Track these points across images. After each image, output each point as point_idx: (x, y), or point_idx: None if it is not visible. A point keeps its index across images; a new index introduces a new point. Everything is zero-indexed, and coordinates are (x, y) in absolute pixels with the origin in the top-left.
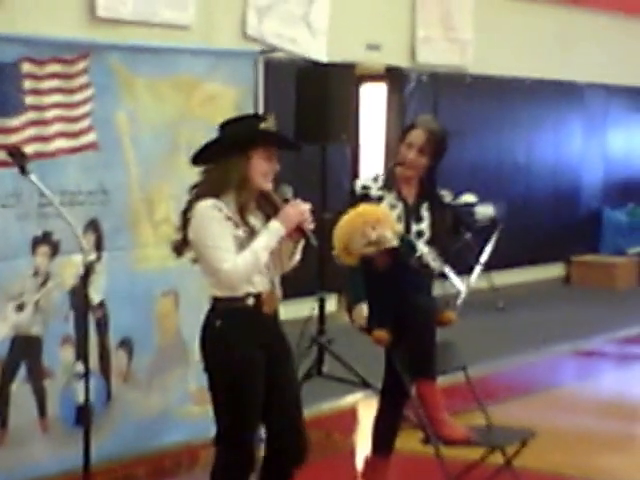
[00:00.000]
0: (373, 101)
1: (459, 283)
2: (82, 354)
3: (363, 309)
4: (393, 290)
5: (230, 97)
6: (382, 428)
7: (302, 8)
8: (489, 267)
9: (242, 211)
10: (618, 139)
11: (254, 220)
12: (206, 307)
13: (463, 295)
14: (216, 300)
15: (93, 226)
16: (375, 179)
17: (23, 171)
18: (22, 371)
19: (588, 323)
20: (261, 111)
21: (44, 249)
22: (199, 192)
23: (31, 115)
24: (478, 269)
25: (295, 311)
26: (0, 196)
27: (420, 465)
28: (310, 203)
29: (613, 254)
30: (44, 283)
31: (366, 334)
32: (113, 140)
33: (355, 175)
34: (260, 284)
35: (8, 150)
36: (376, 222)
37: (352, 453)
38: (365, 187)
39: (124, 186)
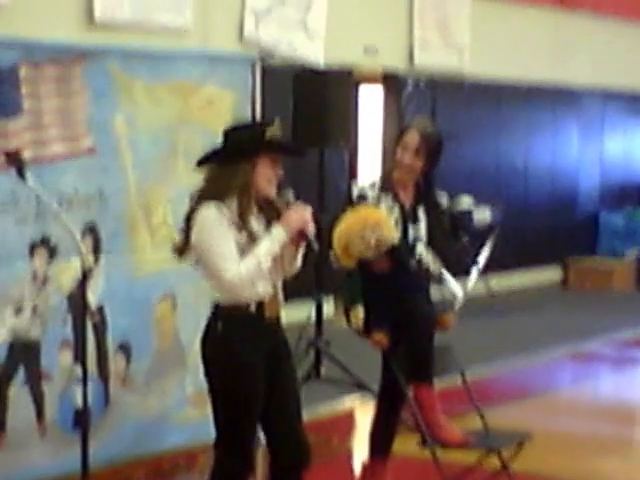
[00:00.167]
0: (370, 105)
1: (456, 286)
2: (80, 358)
3: (359, 311)
4: (392, 293)
5: (228, 101)
6: (379, 431)
7: (299, 12)
8: (486, 270)
9: (244, 216)
10: (615, 143)
11: (256, 225)
12: (204, 311)
13: (460, 298)
14: (218, 305)
15: (91, 230)
16: (372, 185)
17: (21, 175)
18: (20, 375)
19: (585, 326)
20: (258, 115)
21: (42, 253)
22: (203, 196)
23: (29, 119)
24: (475, 272)
25: (293, 314)
26: None
27: (417, 468)
28: (310, 206)
29: (610, 257)
30: (42, 287)
31: (364, 337)
32: (111, 144)
33: (352, 178)
34: (262, 289)
35: (6, 154)
36: (375, 225)
37: (349, 456)
38: (362, 195)
39: (122, 190)
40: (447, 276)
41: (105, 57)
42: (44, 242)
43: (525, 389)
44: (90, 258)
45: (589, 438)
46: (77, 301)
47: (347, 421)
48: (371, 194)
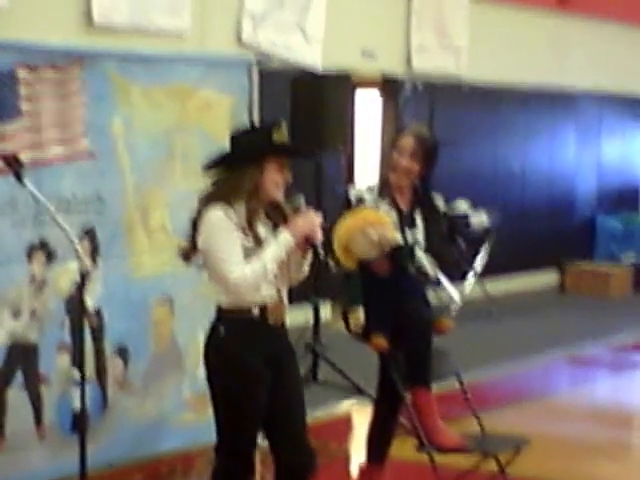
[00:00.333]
0: (368, 109)
1: (453, 291)
2: (78, 361)
3: (360, 313)
4: (391, 297)
5: (225, 104)
6: (377, 435)
7: (297, 15)
8: (483, 275)
9: (250, 220)
10: (612, 147)
11: (263, 229)
12: (201, 314)
13: (457, 303)
14: (221, 309)
15: (89, 233)
16: (370, 189)
17: (19, 178)
18: (18, 378)
19: (582, 330)
20: (256, 118)
21: (40, 256)
22: (210, 199)
23: (26, 122)
24: (472, 276)
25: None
26: None
27: (414, 472)
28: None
29: (607, 261)
30: (40, 290)
31: (362, 341)
32: (108, 147)
33: (349, 182)
34: (267, 294)
35: (4, 157)
36: (377, 224)
37: (346, 460)
38: (360, 199)
39: (119, 193)
40: (444, 280)
41: (103, 60)
42: (42, 245)
43: (522, 393)
44: (88, 261)
45: (586, 442)
46: (75, 304)
47: (344, 425)
48: (369, 197)
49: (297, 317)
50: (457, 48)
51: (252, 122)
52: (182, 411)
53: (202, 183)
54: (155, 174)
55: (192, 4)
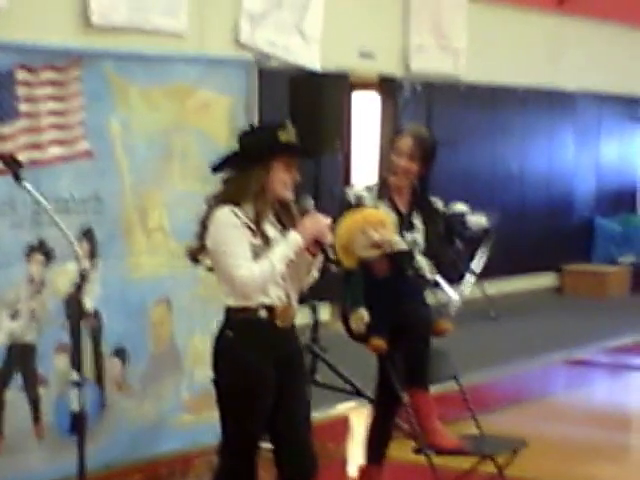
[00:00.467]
0: (366, 109)
1: (452, 292)
2: (76, 362)
3: (363, 313)
4: (389, 298)
5: (223, 105)
6: (375, 437)
7: (295, 16)
8: (481, 276)
9: (259, 220)
10: (610, 148)
11: (271, 230)
12: (199, 315)
13: (456, 304)
14: (229, 310)
15: (87, 234)
16: (369, 189)
17: (17, 179)
18: (17, 379)
19: (580, 332)
20: (255, 119)
21: (38, 257)
22: (218, 199)
23: (25, 122)
24: (470, 278)
25: None
26: None
27: (413, 474)
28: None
29: (605, 263)
30: (38, 291)
31: (361, 342)
32: (107, 148)
33: (347, 183)
34: (275, 296)
35: (2, 158)
36: (377, 223)
37: (345, 461)
38: (359, 197)
39: (118, 194)
40: (443, 282)
41: (101, 60)
42: (40, 246)
43: (520, 395)
44: (86, 262)
45: (584, 444)
46: (73, 305)
47: (342, 426)
48: (368, 198)
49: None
50: (455, 49)
51: (260, 122)
52: (180, 412)
53: (200, 184)
54: (153, 174)
55: (190, 4)
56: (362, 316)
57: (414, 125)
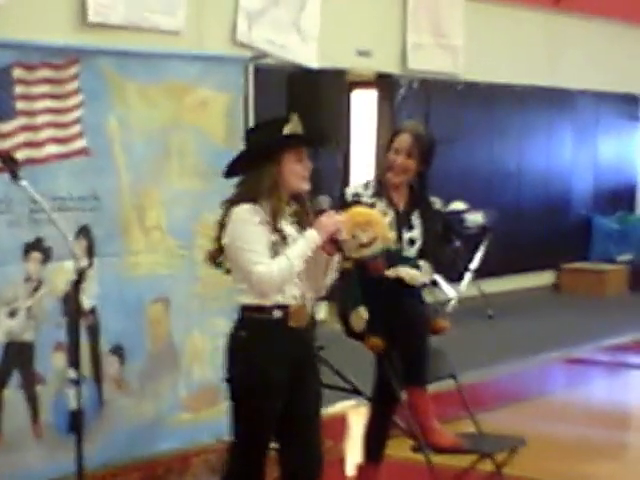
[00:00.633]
0: (364, 107)
1: (449, 290)
2: (74, 360)
3: (363, 313)
4: (387, 296)
5: (221, 103)
6: (373, 435)
7: (292, 14)
8: (479, 275)
9: (276, 216)
10: (609, 146)
11: (288, 227)
12: (197, 314)
13: (453, 303)
14: (243, 309)
15: (84, 232)
16: (366, 186)
17: (14, 177)
18: (15, 377)
19: (578, 331)
20: (252, 117)
21: (36, 255)
22: (234, 199)
23: (22, 120)
24: (468, 277)
25: None
26: None
27: (411, 472)
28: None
29: (603, 261)
30: (36, 289)
31: (359, 341)
32: (104, 146)
33: (345, 181)
34: (290, 295)
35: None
36: (366, 224)
37: (342, 460)
38: (356, 194)
39: (115, 192)
40: (440, 281)
41: (98, 58)
42: (38, 244)
43: (518, 393)
44: (84, 260)
45: (582, 442)
46: (71, 303)
47: (340, 425)
48: (365, 195)
49: None
50: (453, 47)
51: (257, 119)
52: (178, 411)
53: (198, 181)
54: (151, 172)
55: (188, 2)
56: (362, 315)
57: (412, 122)
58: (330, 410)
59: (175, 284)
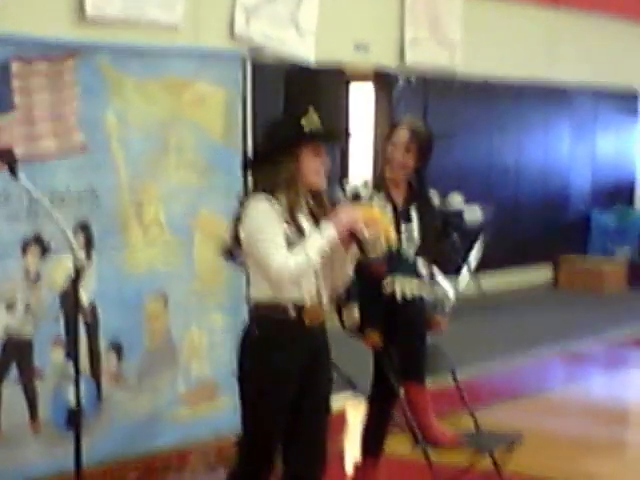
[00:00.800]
0: (361, 102)
1: (448, 286)
2: (72, 355)
3: (354, 310)
4: (384, 292)
5: (219, 98)
6: (371, 432)
7: (290, 9)
8: (477, 269)
9: (292, 211)
10: (606, 142)
11: (304, 221)
12: (195, 310)
13: (451, 298)
14: (256, 307)
15: (83, 227)
16: (365, 184)
17: (13, 172)
18: (13, 373)
19: (576, 326)
20: (249, 112)
21: (34, 250)
22: (251, 192)
23: (20, 115)
24: (466, 272)
25: None
26: None
27: (409, 469)
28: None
29: (601, 257)
30: (34, 285)
31: (356, 337)
32: (102, 141)
33: (343, 176)
34: (306, 290)
35: None
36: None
37: (341, 456)
38: (355, 189)
39: (113, 187)
40: (439, 276)
41: (96, 53)
42: (36, 240)
43: (516, 389)
44: (82, 256)
45: (581, 438)
46: (69, 299)
47: (338, 421)
48: (364, 189)
49: None
50: (451, 42)
51: (254, 114)
52: (177, 406)
53: (196, 177)
54: (149, 168)
55: None
56: (354, 313)
57: (410, 118)
58: None
59: (173, 280)
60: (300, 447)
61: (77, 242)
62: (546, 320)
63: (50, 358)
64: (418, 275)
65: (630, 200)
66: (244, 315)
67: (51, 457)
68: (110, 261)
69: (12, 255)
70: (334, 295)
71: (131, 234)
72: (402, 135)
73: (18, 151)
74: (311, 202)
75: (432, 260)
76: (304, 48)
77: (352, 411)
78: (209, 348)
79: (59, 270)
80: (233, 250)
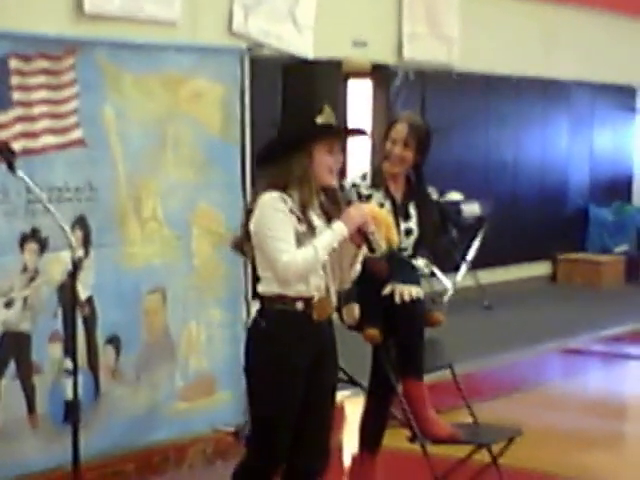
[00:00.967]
0: (359, 98)
1: (446, 281)
2: (70, 350)
3: (355, 308)
4: (383, 288)
5: (217, 93)
6: (369, 426)
7: (288, 4)
8: (475, 265)
9: (304, 207)
10: (604, 137)
11: (316, 219)
12: (193, 305)
13: (450, 293)
14: (265, 300)
15: (81, 223)
16: (364, 177)
17: (11, 167)
18: (11, 368)
19: (574, 321)
20: (247, 107)
21: (32, 246)
22: (263, 187)
23: (18, 111)
24: (464, 267)
25: None
26: None
27: (407, 463)
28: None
29: (599, 252)
30: (32, 279)
31: (356, 332)
32: (100, 136)
33: (342, 171)
34: (314, 286)
35: None
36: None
37: (339, 450)
38: (354, 185)
39: (111, 183)
40: (437, 272)
41: (94, 49)
42: (34, 235)
43: (514, 384)
44: (80, 251)
45: (578, 433)
46: (67, 294)
47: (337, 415)
48: (363, 186)
49: None
50: (449, 37)
51: (252, 110)
52: (174, 401)
53: (194, 172)
54: (147, 163)
55: None
56: (354, 311)
57: (409, 112)
58: None
59: (171, 275)
60: (304, 440)
61: (75, 237)
62: (544, 315)
63: (48, 353)
64: (417, 280)
65: (628, 195)
66: (242, 310)
67: (49, 451)
68: (108, 256)
69: (10, 250)
70: (341, 291)
71: (129, 229)
72: (401, 130)
73: (16, 147)
74: (324, 201)
75: (431, 255)
76: (302, 44)
77: (350, 405)
78: (207, 343)
79: (57, 265)
80: (243, 242)
